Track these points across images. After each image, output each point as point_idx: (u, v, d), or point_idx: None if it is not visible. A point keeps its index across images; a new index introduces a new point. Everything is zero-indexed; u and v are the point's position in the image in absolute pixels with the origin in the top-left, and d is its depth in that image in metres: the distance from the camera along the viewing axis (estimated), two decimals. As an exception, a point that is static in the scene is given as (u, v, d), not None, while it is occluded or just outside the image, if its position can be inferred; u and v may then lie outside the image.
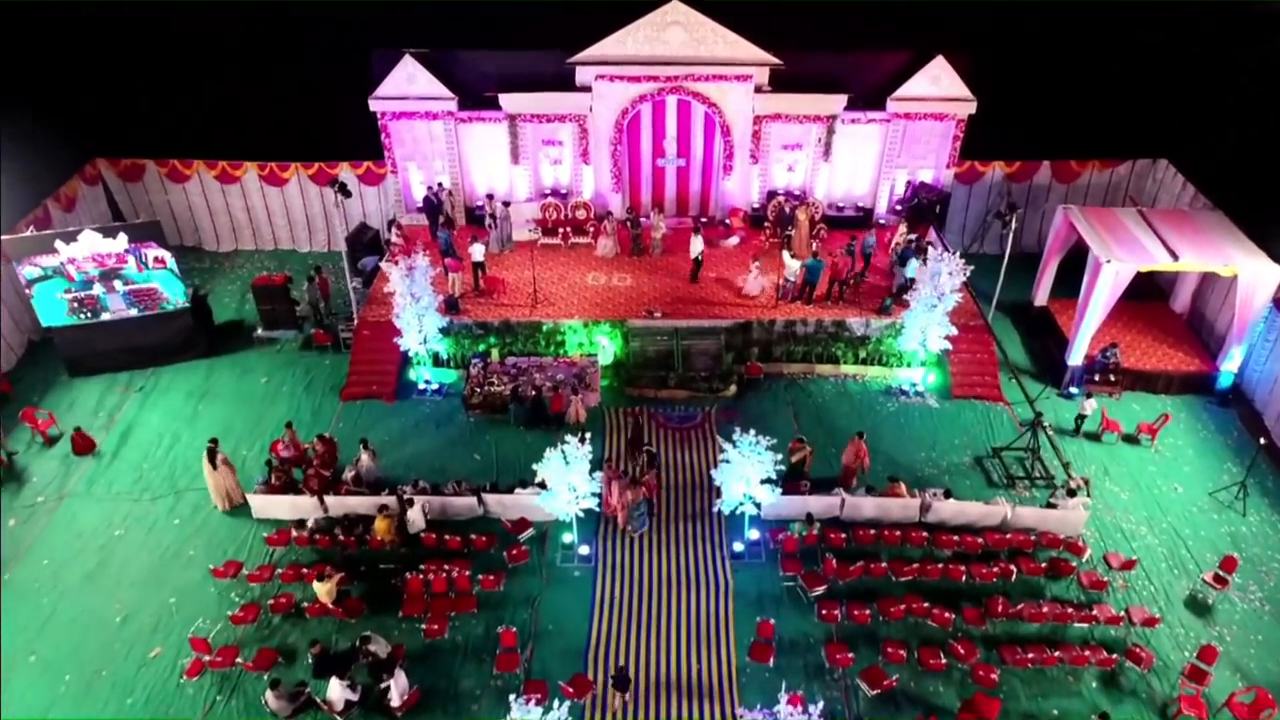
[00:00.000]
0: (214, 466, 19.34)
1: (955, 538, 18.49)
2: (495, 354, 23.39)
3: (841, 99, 25.94)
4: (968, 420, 22.49)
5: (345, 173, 27.95)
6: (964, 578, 17.69)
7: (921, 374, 23.38)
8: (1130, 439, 21.76)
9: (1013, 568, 17.73)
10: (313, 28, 26.38)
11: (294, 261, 28.82)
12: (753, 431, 17.39)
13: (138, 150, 27.83)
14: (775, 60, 25.42)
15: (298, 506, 19.20)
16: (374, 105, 26.18)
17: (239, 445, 21.53)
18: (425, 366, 23.49)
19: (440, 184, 27.11)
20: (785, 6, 25.16)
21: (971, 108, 26.05)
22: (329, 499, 19.18)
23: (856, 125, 26.62)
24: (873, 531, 18.55)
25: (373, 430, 21.91)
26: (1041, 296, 25.59)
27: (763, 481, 17.42)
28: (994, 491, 20.21)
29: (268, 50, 26.13)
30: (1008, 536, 18.54)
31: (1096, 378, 22.97)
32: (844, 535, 18.58)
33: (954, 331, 22.34)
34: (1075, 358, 22.99)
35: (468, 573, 17.46)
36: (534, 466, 17.43)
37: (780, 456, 17.39)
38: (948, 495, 18.98)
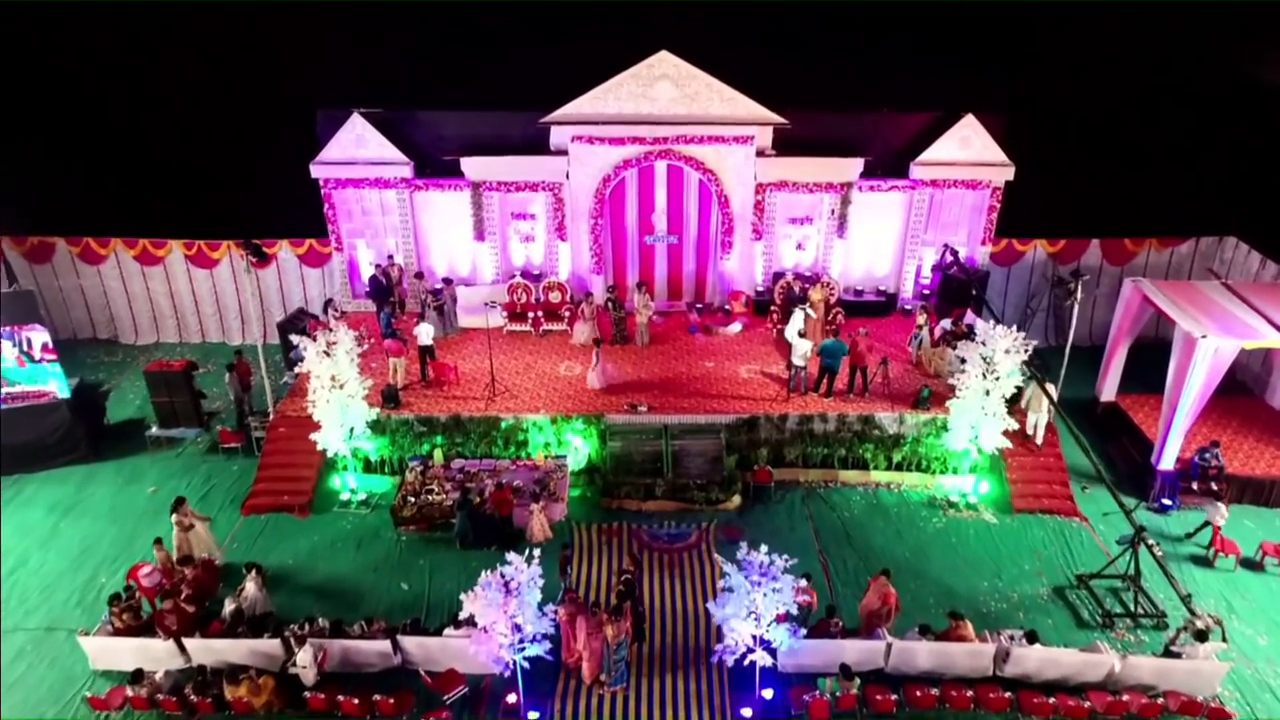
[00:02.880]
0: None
1: (1049, 700, 13.33)
2: (438, 455, 18.76)
3: (857, 163, 22.37)
4: (1037, 539, 17.63)
5: (284, 250, 24.15)
6: (1069, 760, 12.51)
7: (972, 482, 18.67)
8: (1252, 564, 16.82)
9: (1138, 745, 12.55)
10: (251, 86, 23.26)
11: (224, 356, 24.48)
12: (764, 549, 12.64)
13: (46, 226, 24.07)
14: (780, 119, 21.99)
15: (149, 652, 14.16)
16: (316, 171, 22.65)
17: (98, 572, 16.72)
18: (351, 472, 18.83)
19: (390, 256, 23.26)
20: (791, 59, 22.09)
21: (1009, 173, 22.46)
22: (192, 642, 14.16)
23: (875, 194, 22.95)
24: (934, 691, 13.41)
25: (276, 551, 17.20)
26: (1109, 390, 21.12)
27: (779, 619, 12.56)
28: (1088, 634, 15.14)
29: (198, 112, 22.95)
30: (1122, 698, 13.35)
31: (1195, 486, 18.26)
32: (893, 695, 13.42)
33: (1014, 425, 17.81)
34: (1166, 461, 18.32)
35: (363, 752, 12.32)
36: (461, 596, 12.54)
37: (804, 582, 12.53)
38: (1031, 639, 13.93)
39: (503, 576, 12.37)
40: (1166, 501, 18.34)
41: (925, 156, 22.48)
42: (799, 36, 23.78)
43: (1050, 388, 18.20)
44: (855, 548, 17.28)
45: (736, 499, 18.35)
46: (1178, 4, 23.20)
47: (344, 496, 18.58)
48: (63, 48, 22.93)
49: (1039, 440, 19.01)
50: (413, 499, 17.53)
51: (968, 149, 22.38)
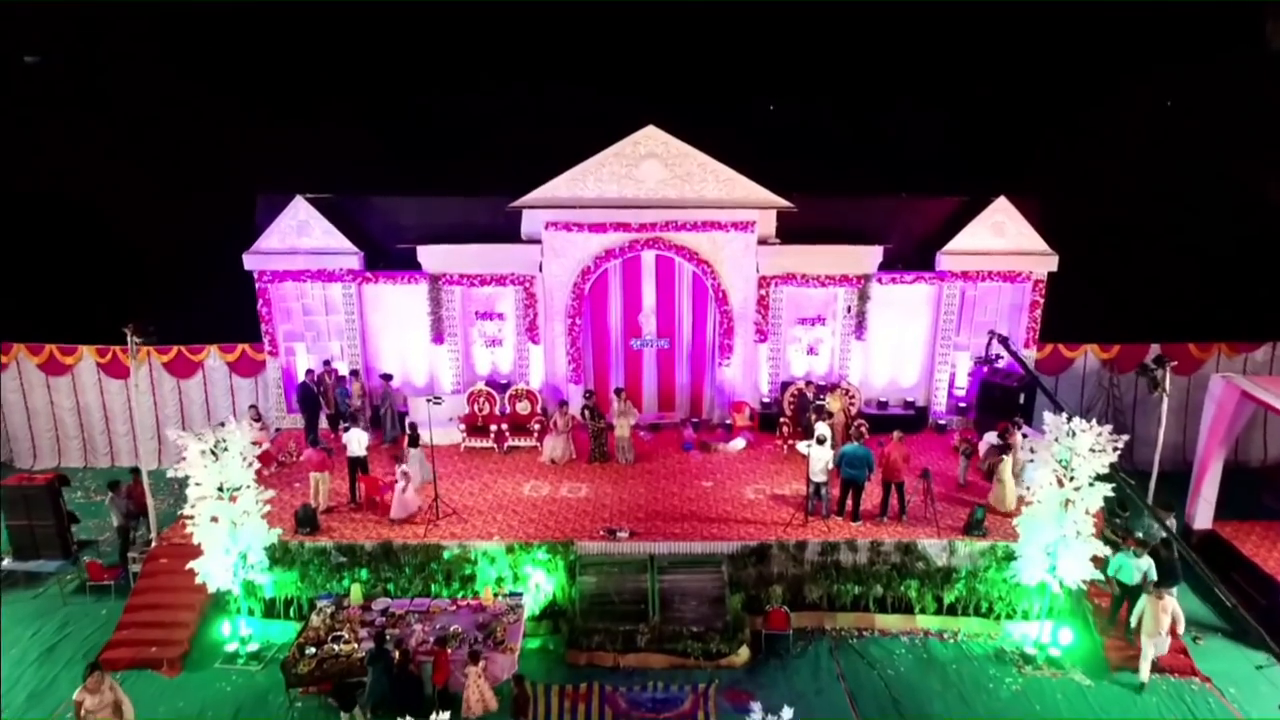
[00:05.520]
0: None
1: None
2: (356, 593, 14.52)
3: (876, 252, 19.39)
4: (1150, 708, 13.13)
5: (212, 357, 20.80)
6: None
7: (1050, 629, 14.33)
8: None
9: None
10: (181, 170, 20.73)
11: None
12: (787, 714, 8.44)
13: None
14: (784, 202, 19.18)
15: None
16: (250, 262, 19.65)
17: None
18: (244, 615, 14.56)
19: (327, 361, 19.83)
20: (794, 138, 19.55)
21: (1051, 263, 19.43)
22: None
23: (898, 287, 19.78)
24: None
25: (126, 722, 12.69)
26: (1203, 516, 17.03)
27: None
28: None
29: (117, 198, 20.29)
30: None
31: (1344, 634, 13.90)
32: None
33: (1104, 551, 13.71)
34: (1302, 600, 14.10)
35: None
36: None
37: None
38: None
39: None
40: (1310, 655, 13.92)
41: (954, 245, 19.49)
42: (802, 113, 21.44)
43: (1171, 597, 13.61)
44: (906, 717, 12.81)
45: (744, 651, 13.99)
46: (1219, 92, 21.10)
47: (231, 647, 14.22)
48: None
49: (1144, 677, 13.51)
50: (313, 650, 13.19)
51: (1002, 236, 19.44)
